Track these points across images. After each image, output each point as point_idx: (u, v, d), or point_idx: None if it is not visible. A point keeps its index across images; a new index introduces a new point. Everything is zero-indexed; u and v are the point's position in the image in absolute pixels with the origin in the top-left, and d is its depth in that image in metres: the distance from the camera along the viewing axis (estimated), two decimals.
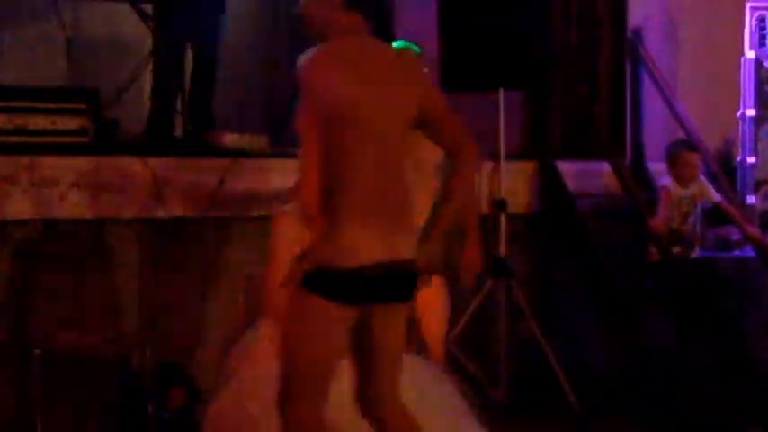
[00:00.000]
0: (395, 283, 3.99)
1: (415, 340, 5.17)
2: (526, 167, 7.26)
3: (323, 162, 3.86)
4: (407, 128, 4.01)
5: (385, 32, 7.53)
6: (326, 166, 3.87)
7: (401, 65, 4.12)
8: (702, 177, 7.32)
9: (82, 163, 5.90)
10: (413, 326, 5.20)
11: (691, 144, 7.37)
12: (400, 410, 4.17)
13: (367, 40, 4.09)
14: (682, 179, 7.20)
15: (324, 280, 3.89)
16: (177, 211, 5.78)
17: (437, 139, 4.11)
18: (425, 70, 4.36)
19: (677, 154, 7.23)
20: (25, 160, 5.78)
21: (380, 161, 3.93)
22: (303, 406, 4.00)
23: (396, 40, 7.47)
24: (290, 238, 4.77)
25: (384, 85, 3.96)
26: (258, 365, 4.75)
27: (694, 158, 7.23)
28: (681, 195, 7.19)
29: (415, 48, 5.56)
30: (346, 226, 3.87)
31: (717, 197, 7.32)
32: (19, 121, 6.00)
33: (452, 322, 6.24)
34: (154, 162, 5.89)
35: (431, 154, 4.74)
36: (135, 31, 7.09)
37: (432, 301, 5.30)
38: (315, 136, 3.86)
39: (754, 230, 7.34)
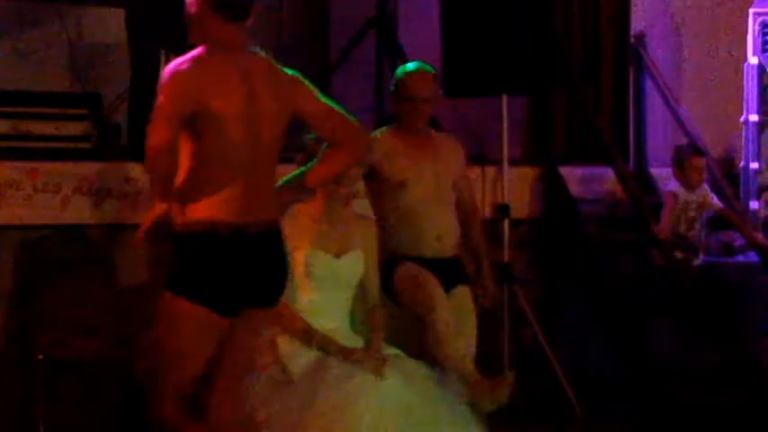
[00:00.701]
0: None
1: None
2: (529, 173, 7.26)
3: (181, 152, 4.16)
4: (281, 131, 4.28)
5: (390, 40, 7.58)
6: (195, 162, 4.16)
7: (274, 77, 4.32)
8: (705, 185, 7.32)
9: (85, 168, 5.90)
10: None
11: (697, 148, 7.38)
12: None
13: (241, 50, 4.26)
14: (688, 183, 7.19)
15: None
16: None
17: (318, 132, 4.47)
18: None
19: (684, 158, 7.23)
20: (28, 166, 5.78)
21: (250, 162, 4.18)
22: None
23: (401, 47, 7.52)
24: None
25: (254, 95, 4.19)
26: (264, 375, 4.77)
27: (701, 162, 7.23)
28: (687, 200, 7.18)
29: (429, 67, 5.56)
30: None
31: (719, 204, 7.32)
32: (22, 126, 6.01)
33: None
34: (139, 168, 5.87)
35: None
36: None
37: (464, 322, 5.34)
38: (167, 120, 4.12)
39: (758, 237, 7.34)
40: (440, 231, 5.39)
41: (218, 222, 4.14)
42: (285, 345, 4.82)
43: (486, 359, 6.63)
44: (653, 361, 6.64)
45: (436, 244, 5.38)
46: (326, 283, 4.94)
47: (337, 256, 4.96)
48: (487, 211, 6.98)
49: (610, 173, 7.45)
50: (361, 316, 5.11)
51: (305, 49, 8.45)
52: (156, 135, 4.11)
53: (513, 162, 7.02)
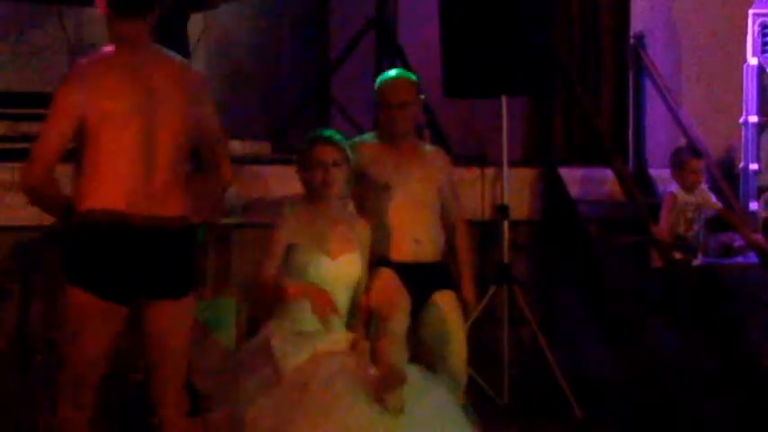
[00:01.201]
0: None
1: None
2: (529, 174, 7.26)
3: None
4: (180, 137, 4.32)
5: (390, 40, 7.58)
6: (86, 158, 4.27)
7: (179, 79, 4.36)
8: (704, 185, 7.31)
9: None
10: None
11: (696, 150, 7.37)
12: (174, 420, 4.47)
13: (141, 47, 4.34)
14: (687, 185, 7.19)
15: None
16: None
17: (201, 145, 4.43)
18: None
19: (683, 160, 7.23)
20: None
21: (144, 158, 4.26)
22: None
23: (400, 47, 7.52)
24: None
25: (151, 92, 4.27)
26: (257, 375, 4.77)
27: (699, 165, 7.23)
28: (686, 201, 7.18)
29: (409, 75, 5.60)
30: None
31: (719, 204, 7.32)
32: (21, 127, 5.99)
33: None
34: None
35: None
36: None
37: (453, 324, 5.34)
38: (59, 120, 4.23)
39: (757, 238, 7.33)
40: (419, 235, 5.38)
41: (107, 214, 4.23)
42: (279, 345, 4.82)
43: (486, 360, 6.65)
44: (652, 362, 6.63)
45: (414, 247, 5.36)
46: (323, 285, 4.93)
47: (334, 257, 4.97)
48: (487, 212, 6.98)
49: (609, 174, 7.44)
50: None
51: (305, 49, 8.46)
52: (40, 152, 4.26)
53: (513, 163, 7.02)
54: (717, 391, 6.59)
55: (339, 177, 5.01)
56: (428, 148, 5.69)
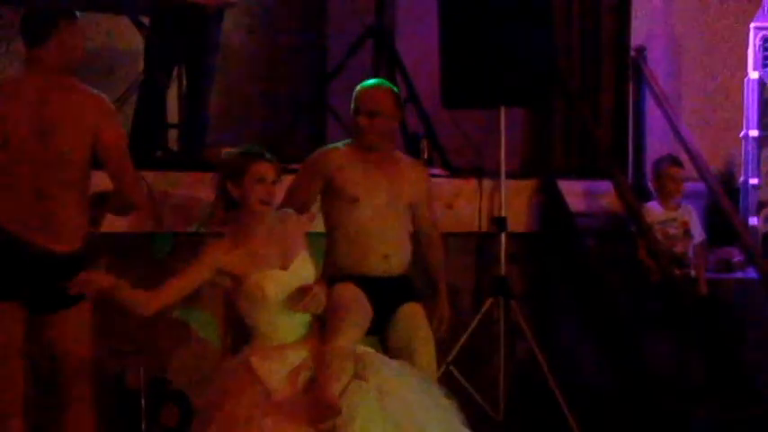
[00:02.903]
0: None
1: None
2: (527, 186, 7.21)
3: None
4: (81, 158, 4.80)
5: (388, 49, 7.54)
6: None
7: (75, 99, 4.84)
8: (694, 211, 7.24)
9: None
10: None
11: (673, 158, 7.32)
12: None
13: (44, 71, 4.82)
14: (665, 195, 7.15)
15: None
16: (172, 225, 5.72)
17: (106, 165, 4.91)
18: None
19: (661, 168, 7.20)
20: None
21: (37, 181, 4.76)
22: None
23: (398, 57, 7.48)
24: None
25: (44, 116, 4.75)
26: (237, 400, 4.74)
27: (677, 173, 7.18)
28: (665, 219, 7.13)
29: (388, 84, 5.57)
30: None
31: (698, 238, 7.22)
32: None
33: (451, 341, 6.22)
34: (149, 176, 5.82)
35: None
36: (133, 43, 7.06)
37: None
38: None
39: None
40: (387, 251, 5.33)
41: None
42: (259, 365, 4.79)
43: (481, 374, 6.61)
44: (649, 376, 6.58)
45: (383, 263, 5.32)
46: (282, 297, 4.86)
47: (284, 267, 4.89)
48: (484, 224, 6.94)
49: (608, 186, 7.39)
50: None
51: (302, 58, 8.43)
52: None
53: (511, 175, 6.97)
54: (712, 406, 6.56)
55: (277, 196, 4.96)
56: (405, 160, 5.61)
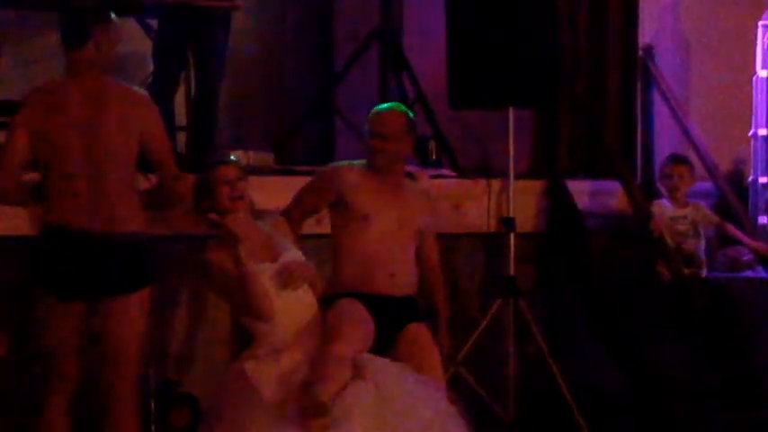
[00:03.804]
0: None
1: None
2: (535, 186, 7.20)
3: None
4: (126, 144, 4.94)
5: (395, 52, 7.53)
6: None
7: (122, 101, 4.98)
8: (702, 203, 7.24)
9: None
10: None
11: (680, 157, 7.32)
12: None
13: (84, 73, 4.98)
14: (674, 193, 7.14)
15: None
16: (180, 227, 5.72)
17: (152, 157, 5.06)
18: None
19: (666, 166, 7.21)
20: (28, 176, 5.72)
21: (93, 169, 4.89)
22: None
23: (405, 59, 7.48)
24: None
25: (93, 114, 4.90)
26: (235, 407, 4.78)
27: (681, 169, 7.18)
28: (674, 215, 7.13)
29: (402, 108, 5.62)
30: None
31: (716, 218, 7.25)
32: None
33: (460, 341, 6.21)
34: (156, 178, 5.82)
35: None
36: (139, 46, 7.07)
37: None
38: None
39: (758, 245, 7.27)
40: (394, 269, 5.37)
41: (56, 225, 4.91)
42: (252, 371, 4.87)
43: (491, 374, 6.60)
44: (659, 377, 6.57)
45: (389, 281, 5.35)
46: (275, 287, 4.97)
47: (273, 261, 5.03)
48: (493, 225, 6.93)
49: (617, 187, 7.39)
50: None
51: (309, 61, 8.43)
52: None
53: (519, 175, 6.96)
54: (722, 407, 6.54)
55: (246, 189, 5.17)
56: (415, 187, 5.69)
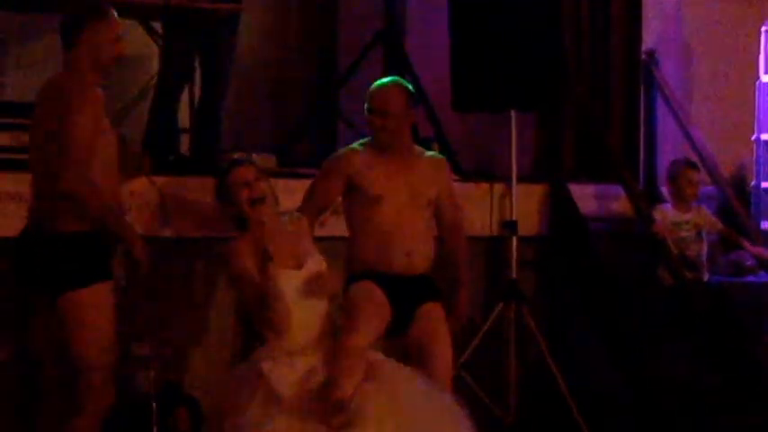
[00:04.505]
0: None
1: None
2: (538, 190, 7.20)
3: None
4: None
5: (398, 54, 7.53)
6: None
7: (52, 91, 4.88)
8: (704, 207, 7.24)
9: None
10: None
11: (690, 162, 7.31)
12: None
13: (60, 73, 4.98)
14: (680, 198, 7.14)
15: None
16: (183, 230, 5.72)
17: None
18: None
19: (677, 171, 7.19)
20: (30, 178, 5.72)
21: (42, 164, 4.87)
22: None
23: (409, 61, 7.47)
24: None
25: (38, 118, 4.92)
26: (248, 406, 4.77)
27: (694, 176, 7.16)
28: (677, 220, 7.12)
29: (402, 82, 5.55)
30: None
31: (720, 225, 7.24)
32: (25, 138, 5.94)
33: (462, 345, 6.21)
34: (160, 180, 5.83)
35: None
36: (142, 48, 7.07)
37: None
38: None
39: (760, 250, 7.26)
40: (410, 248, 5.33)
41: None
42: (270, 370, 4.83)
43: (492, 378, 6.60)
44: (660, 381, 6.56)
45: (406, 260, 5.32)
46: (298, 296, 4.92)
47: (298, 267, 4.95)
48: (495, 228, 6.93)
49: (620, 191, 7.38)
50: None
51: (312, 62, 8.42)
52: None
53: (522, 179, 6.96)
54: (724, 412, 6.53)
55: (267, 190, 5.02)
56: (425, 156, 5.58)
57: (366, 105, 5.43)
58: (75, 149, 4.67)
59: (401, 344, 5.29)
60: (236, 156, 6.26)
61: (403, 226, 5.33)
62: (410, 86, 5.54)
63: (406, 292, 5.26)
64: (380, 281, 5.24)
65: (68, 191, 4.69)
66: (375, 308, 5.15)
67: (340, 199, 5.51)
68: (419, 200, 5.40)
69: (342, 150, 5.55)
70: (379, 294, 5.19)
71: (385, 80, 5.55)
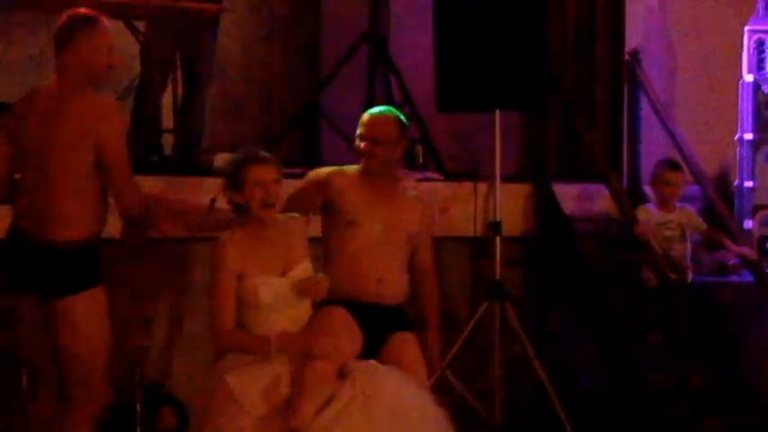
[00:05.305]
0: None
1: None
2: (522, 189, 7.20)
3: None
4: (80, 157, 4.82)
5: (383, 54, 7.53)
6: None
7: (79, 112, 4.85)
8: (689, 206, 7.24)
9: None
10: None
11: (673, 163, 7.30)
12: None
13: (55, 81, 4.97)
14: (663, 199, 7.14)
15: None
16: (167, 231, 5.70)
17: (107, 183, 4.92)
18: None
19: (659, 172, 7.18)
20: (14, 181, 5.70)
21: (38, 172, 4.85)
22: None
23: (393, 62, 7.47)
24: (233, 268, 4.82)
25: (46, 118, 4.85)
26: (217, 421, 4.76)
27: (674, 176, 7.16)
28: (661, 220, 7.12)
29: (395, 113, 5.54)
30: None
31: (704, 225, 7.24)
32: None
33: (447, 345, 6.20)
34: (144, 181, 5.80)
35: None
36: (127, 47, 7.04)
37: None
38: None
39: (743, 250, 7.27)
40: (381, 275, 5.30)
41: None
42: (235, 383, 4.79)
43: (477, 376, 6.60)
44: (645, 381, 6.57)
45: (376, 287, 5.29)
46: (278, 305, 4.88)
47: (283, 273, 4.91)
48: (479, 228, 6.92)
49: (604, 190, 7.38)
50: None
51: (296, 63, 8.42)
52: None
53: (506, 178, 6.95)
54: (707, 411, 6.55)
55: (280, 194, 4.95)
56: (410, 194, 5.59)
57: (358, 132, 5.42)
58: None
59: None
60: (216, 156, 6.24)
61: (375, 254, 5.30)
62: (403, 117, 5.54)
63: (376, 321, 5.22)
64: (351, 307, 5.20)
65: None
66: (345, 331, 5.13)
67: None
68: (395, 233, 5.38)
69: (327, 169, 5.54)
70: (349, 320, 5.16)
71: (378, 109, 5.56)
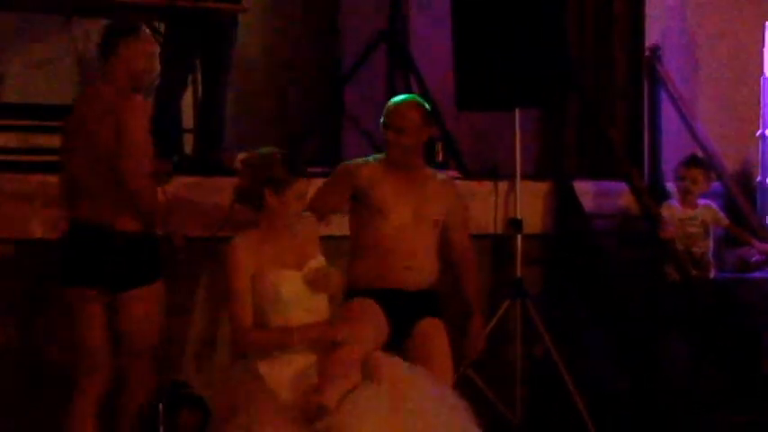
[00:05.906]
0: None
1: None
2: (542, 187, 7.20)
3: None
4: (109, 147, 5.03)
5: (402, 53, 7.54)
6: None
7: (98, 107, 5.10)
8: (712, 203, 7.23)
9: None
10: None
11: (697, 160, 7.28)
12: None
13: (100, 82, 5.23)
14: (686, 196, 7.12)
15: None
16: (188, 230, 5.72)
17: (119, 167, 5.06)
18: None
19: (682, 169, 7.17)
20: (37, 179, 5.75)
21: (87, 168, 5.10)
22: None
23: (412, 60, 7.48)
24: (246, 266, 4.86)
25: (84, 118, 5.13)
26: (248, 411, 4.78)
27: (694, 173, 7.14)
28: (684, 217, 7.10)
29: (419, 100, 5.58)
30: None
31: (726, 220, 7.23)
32: (31, 139, 5.97)
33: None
34: None
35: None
36: None
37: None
38: None
39: (766, 247, 7.26)
40: (409, 263, 5.35)
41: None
42: (267, 371, 4.84)
43: (498, 376, 6.60)
44: (666, 378, 6.57)
45: (404, 274, 5.33)
46: (297, 299, 4.92)
47: (299, 268, 4.95)
48: (500, 226, 6.93)
49: (624, 188, 7.38)
50: None
51: (316, 63, 8.43)
52: None
53: (526, 176, 6.96)
54: (729, 408, 6.53)
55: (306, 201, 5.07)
56: (438, 177, 5.64)
57: (382, 120, 5.48)
58: (135, 149, 5.02)
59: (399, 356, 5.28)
60: (238, 155, 6.23)
61: (403, 242, 5.35)
62: (427, 105, 5.57)
63: (404, 308, 5.27)
64: (379, 296, 5.25)
65: (130, 185, 5.02)
66: (371, 320, 5.16)
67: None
68: (424, 219, 5.43)
69: (354, 161, 5.60)
70: (377, 310, 5.20)
71: (401, 97, 5.62)
